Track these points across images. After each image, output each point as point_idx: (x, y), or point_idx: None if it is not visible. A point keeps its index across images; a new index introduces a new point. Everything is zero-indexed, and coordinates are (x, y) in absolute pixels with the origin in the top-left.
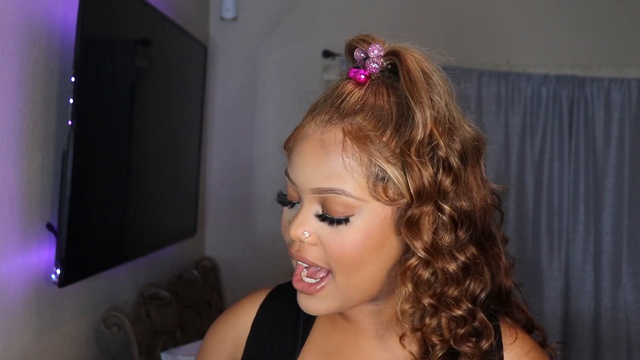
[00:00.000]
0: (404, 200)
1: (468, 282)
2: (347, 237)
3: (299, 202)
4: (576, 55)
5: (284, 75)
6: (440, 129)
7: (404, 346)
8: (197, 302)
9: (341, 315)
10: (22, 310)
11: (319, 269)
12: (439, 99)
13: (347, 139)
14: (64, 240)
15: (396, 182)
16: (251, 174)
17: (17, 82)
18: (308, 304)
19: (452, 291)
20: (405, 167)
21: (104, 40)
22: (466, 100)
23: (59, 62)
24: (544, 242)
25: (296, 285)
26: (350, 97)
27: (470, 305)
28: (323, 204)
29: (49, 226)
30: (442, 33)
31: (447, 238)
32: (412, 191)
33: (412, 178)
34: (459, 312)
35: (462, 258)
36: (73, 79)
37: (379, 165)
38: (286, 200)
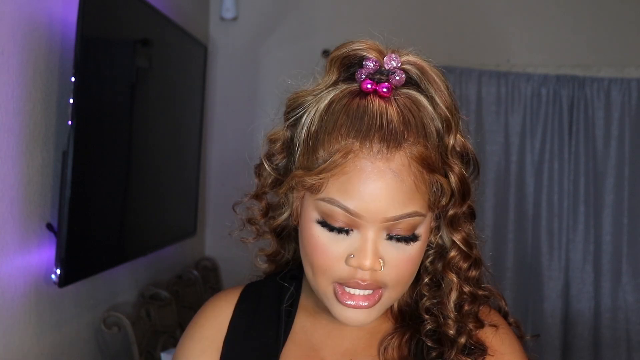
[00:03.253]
0: (443, 203)
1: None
2: (414, 252)
3: (351, 229)
4: (576, 55)
5: (283, 75)
6: (459, 129)
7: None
8: (197, 302)
9: (324, 309)
10: (22, 310)
11: (370, 291)
12: (447, 97)
13: (413, 163)
14: (64, 240)
15: (445, 189)
16: (251, 174)
17: (17, 82)
18: (356, 317)
19: (474, 274)
20: (447, 173)
21: (104, 40)
22: (466, 100)
23: (59, 62)
24: (544, 242)
25: (349, 302)
26: (389, 116)
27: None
28: (391, 227)
29: (49, 226)
30: (442, 33)
31: (469, 229)
32: (455, 191)
33: (457, 181)
34: (481, 293)
35: (475, 244)
36: (73, 79)
37: (436, 180)
38: (342, 229)
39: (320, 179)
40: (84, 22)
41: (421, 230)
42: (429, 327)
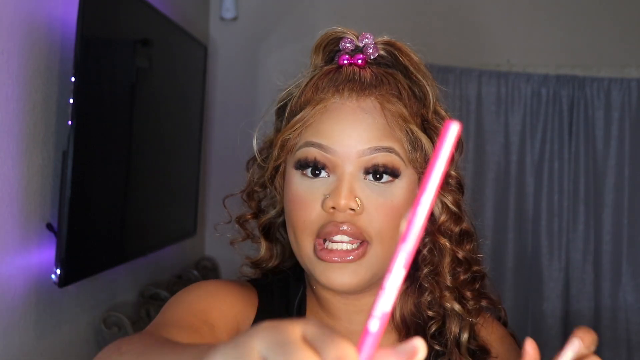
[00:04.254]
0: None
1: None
2: (395, 199)
3: (327, 172)
4: (576, 55)
5: (283, 75)
6: (437, 98)
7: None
8: None
9: (328, 315)
10: (22, 310)
11: (354, 245)
12: (422, 69)
13: (385, 107)
14: (64, 240)
15: (426, 147)
16: (245, 173)
17: (17, 82)
18: (341, 277)
19: (468, 247)
20: (429, 133)
21: (104, 40)
22: (466, 100)
23: (59, 62)
24: (544, 242)
25: (329, 257)
26: (362, 75)
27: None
28: (367, 167)
29: (49, 226)
30: (442, 33)
31: (459, 198)
32: None
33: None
34: (477, 267)
35: (466, 215)
36: (73, 79)
37: (413, 133)
38: (317, 168)
39: (295, 129)
40: (84, 22)
41: (402, 181)
42: (434, 328)
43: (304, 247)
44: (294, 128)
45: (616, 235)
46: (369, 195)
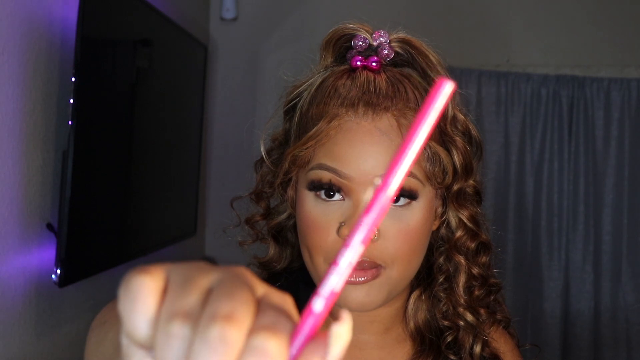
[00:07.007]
0: (447, 181)
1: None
2: (411, 222)
3: (342, 195)
4: (576, 55)
5: (283, 69)
6: (455, 103)
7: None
8: None
9: None
10: (22, 310)
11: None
12: (440, 70)
13: (402, 124)
14: (64, 240)
15: (445, 161)
16: (251, 174)
17: (17, 82)
18: (355, 297)
19: (484, 259)
20: (448, 145)
21: (104, 40)
22: (466, 100)
23: (59, 62)
24: (544, 242)
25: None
26: (377, 84)
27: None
28: None
29: (49, 226)
30: (442, 33)
31: (476, 210)
32: (458, 166)
33: (457, 154)
34: (493, 280)
35: (485, 227)
36: (73, 79)
37: (431, 148)
38: (331, 189)
39: (307, 147)
40: (84, 22)
41: (419, 202)
42: (449, 339)
43: (319, 268)
44: (306, 146)
45: (616, 235)
46: (386, 221)
